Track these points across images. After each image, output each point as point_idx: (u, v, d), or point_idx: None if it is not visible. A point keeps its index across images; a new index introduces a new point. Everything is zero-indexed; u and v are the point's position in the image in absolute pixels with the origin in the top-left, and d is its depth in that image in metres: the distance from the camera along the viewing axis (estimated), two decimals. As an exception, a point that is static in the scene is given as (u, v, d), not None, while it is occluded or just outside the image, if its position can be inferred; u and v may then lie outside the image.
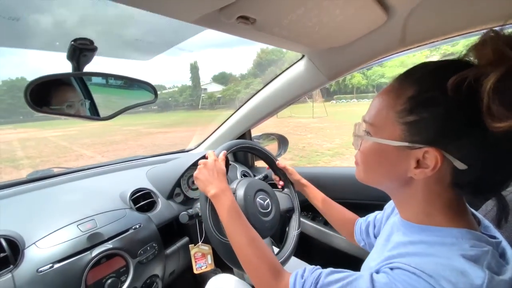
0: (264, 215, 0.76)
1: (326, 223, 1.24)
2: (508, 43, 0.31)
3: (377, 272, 0.38)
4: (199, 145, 1.47)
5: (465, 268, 0.33)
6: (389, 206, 0.62)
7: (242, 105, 1.22)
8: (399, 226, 0.47)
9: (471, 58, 0.36)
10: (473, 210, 0.45)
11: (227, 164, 1.19)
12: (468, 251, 0.35)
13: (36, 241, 0.66)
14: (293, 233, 0.83)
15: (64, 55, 0.56)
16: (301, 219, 1.20)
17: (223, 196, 0.62)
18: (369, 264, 0.49)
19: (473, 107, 0.32)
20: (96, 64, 0.60)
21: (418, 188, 0.40)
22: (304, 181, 0.87)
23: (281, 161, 0.91)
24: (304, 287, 0.44)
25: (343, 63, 0.88)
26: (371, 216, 0.70)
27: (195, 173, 0.68)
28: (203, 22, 0.58)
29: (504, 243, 0.41)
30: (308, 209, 1.29)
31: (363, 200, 1.09)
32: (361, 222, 0.73)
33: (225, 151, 0.75)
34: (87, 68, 0.60)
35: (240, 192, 0.74)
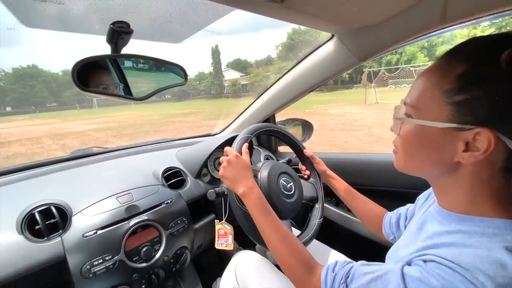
0: (286, 197, 0.77)
1: (349, 210, 1.23)
2: None
3: (409, 264, 0.37)
4: (224, 129, 1.51)
5: (506, 260, 0.31)
6: (423, 196, 0.60)
7: (268, 88, 1.22)
8: (435, 214, 0.45)
9: None
10: None
11: (251, 148, 1.21)
12: (510, 242, 0.33)
13: (82, 210, 0.74)
14: (314, 221, 0.83)
15: (94, 38, 0.59)
16: (324, 204, 1.20)
17: (251, 193, 0.63)
18: (398, 252, 0.48)
19: None
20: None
21: (465, 174, 0.38)
22: (330, 172, 0.86)
23: (308, 150, 0.90)
24: (335, 280, 0.43)
25: (375, 43, 0.83)
26: (402, 209, 0.68)
27: (221, 173, 0.69)
28: (233, 2, 0.59)
29: None
30: (332, 195, 1.28)
31: (393, 188, 1.07)
32: (391, 215, 0.70)
33: (247, 144, 0.74)
34: (124, 51, 0.63)
35: (264, 173, 0.76)
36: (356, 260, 0.48)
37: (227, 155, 0.70)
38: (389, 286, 0.36)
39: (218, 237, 0.86)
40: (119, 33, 0.59)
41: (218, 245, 0.83)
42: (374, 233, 0.76)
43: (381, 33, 0.80)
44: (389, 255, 0.52)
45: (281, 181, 0.79)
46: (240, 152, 0.72)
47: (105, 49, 0.61)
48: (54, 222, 0.70)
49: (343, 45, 0.89)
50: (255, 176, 0.77)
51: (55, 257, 0.65)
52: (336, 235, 1.16)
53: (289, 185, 0.79)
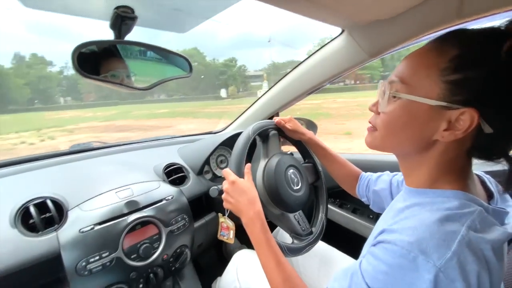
0: (294, 191, 0.76)
1: (354, 211, 1.20)
2: None
3: (374, 244, 0.39)
4: (227, 126, 1.48)
5: (442, 220, 0.34)
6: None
7: (273, 85, 1.19)
8: (402, 193, 0.48)
9: None
10: (491, 186, 0.46)
11: (255, 146, 1.18)
12: (453, 209, 0.36)
13: (79, 204, 0.71)
14: (320, 216, 0.85)
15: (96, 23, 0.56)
16: (329, 205, 1.17)
17: (253, 226, 0.61)
18: (373, 233, 0.48)
19: None
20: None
21: (435, 153, 0.41)
22: (308, 135, 0.85)
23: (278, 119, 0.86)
24: None
25: (388, 38, 0.80)
26: (385, 176, 0.72)
27: (224, 204, 0.67)
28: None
29: None
30: (336, 196, 1.26)
31: None
32: (369, 178, 0.76)
33: (249, 164, 0.71)
34: (128, 38, 0.61)
35: (272, 166, 0.74)
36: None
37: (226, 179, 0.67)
38: None
39: (221, 229, 0.85)
40: (123, 18, 0.56)
41: (220, 236, 0.82)
42: (349, 193, 0.83)
43: (393, 28, 0.78)
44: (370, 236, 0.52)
45: (289, 174, 0.77)
46: (240, 173, 0.68)
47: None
48: (50, 216, 0.67)
49: (353, 41, 0.86)
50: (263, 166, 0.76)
51: (49, 252, 0.62)
52: (340, 236, 1.13)
53: (296, 178, 0.79)
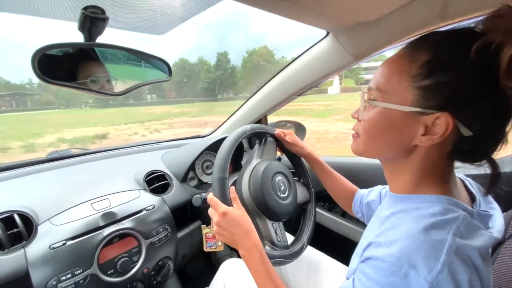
0: (281, 199, 0.73)
1: (342, 215, 1.19)
2: None
3: (363, 261, 0.39)
4: (214, 130, 1.45)
5: (428, 229, 0.34)
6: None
7: (260, 88, 1.17)
8: (387, 199, 0.48)
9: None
10: (473, 189, 0.46)
11: (241, 151, 1.16)
12: (437, 215, 0.35)
13: (50, 218, 0.66)
14: (308, 225, 0.81)
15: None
16: (317, 209, 1.15)
17: (250, 257, 0.57)
18: (361, 243, 0.48)
19: (491, 71, 0.33)
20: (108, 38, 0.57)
21: (417, 157, 0.41)
22: (307, 150, 0.83)
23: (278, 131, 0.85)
24: None
25: (372, 41, 0.79)
26: (375, 189, 0.71)
27: (217, 238, 0.62)
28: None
29: (495, 217, 0.42)
30: (325, 200, 1.24)
31: None
32: (362, 194, 0.74)
33: (233, 187, 0.65)
34: (99, 40, 0.57)
35: (259, 172, 0.72)
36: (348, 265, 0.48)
37: (214, 210, 0.62)
38: None
39: (206, 241, 0.81)
40: (92, 19, 0.52)
41: (206, 248, 0.78)
42: (346, 211, 0.80)
43: (378, 31, 0.77)
44: (358, 247, 0.51)
45: (276, 181, 0.74)
46: (226, 200, 0.63)
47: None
48: (18, 231, 0.62)
49: (338, 43, 0.85)
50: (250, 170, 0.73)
51: (16, 271, 0.58)
52: (330, 241, 1.11)
53: (283, 186, 0.76)
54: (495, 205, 0.46)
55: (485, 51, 0.33)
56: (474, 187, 0.47)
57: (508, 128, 0.36)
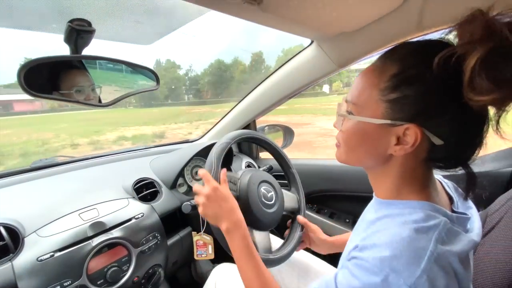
0: (267, 207, 0.73)
1: (331, 216, 1.22)
2: (495, 21, 0.32)
3: (349, 259, 0.40)
4: (203, 135, 1.45)
5: (411, 235, 0.35)
6: None
7: (248, 94, 1.18)
8: (373, 204, 0.49)
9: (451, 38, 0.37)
10: (450, 191, 0.47)
11: (231, 155, 1.17)
12: (420, 222, 0.37)
13: (37, 230, 0.65)
14: (295, 233, 0.79)
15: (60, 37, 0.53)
16: (306, 211, 1.18)
17: (235, 231, 0.59)
18: (347, 246, 0.49)
19: (455, 83, 0.34)
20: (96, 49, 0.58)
21: (395, 165, 0.42)
22: (330, 239, 0.79)
23: (301, 217, 0.82)
24: None
25: (354, 49, 0.83)
26: None
27: (201, 210, 0.62)
28: (207, 2, 0.55)
29: (473, 218, 0.44)
30: (313, 201, 1.27)
31: (361, 193, 1.07)
32: None
33: (225, 170, 0.67)
34: (86, 52, 0.57)
35: (244, 181, 0.72)
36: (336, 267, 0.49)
37: (204, 184, 0.63)
38: None
39: (197, 248, 0.81)
40: (78, 32, 0.53)
41: (197, 256, 0.78)
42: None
43: (359, 40, 0.80)
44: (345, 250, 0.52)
45: (262, 190, 0.75)
46: (218, 180, 0.65)
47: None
48: (4, 244, 0.61)
49: (322, 51, 0.88)
50: (234, 184, 0.73)
51: (3, 285, 0.57)
52: None
53: (269, 194, 0.76)
54: (471, 204, 0.48)
55: (450, 63, 0.33)
56: (451, 188, 0.49)
57: (484, 135, 0.37)
